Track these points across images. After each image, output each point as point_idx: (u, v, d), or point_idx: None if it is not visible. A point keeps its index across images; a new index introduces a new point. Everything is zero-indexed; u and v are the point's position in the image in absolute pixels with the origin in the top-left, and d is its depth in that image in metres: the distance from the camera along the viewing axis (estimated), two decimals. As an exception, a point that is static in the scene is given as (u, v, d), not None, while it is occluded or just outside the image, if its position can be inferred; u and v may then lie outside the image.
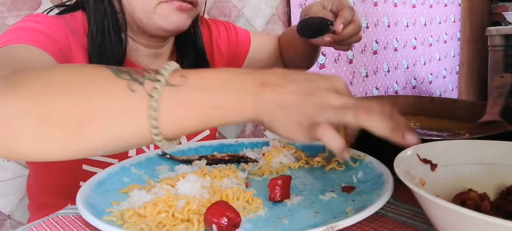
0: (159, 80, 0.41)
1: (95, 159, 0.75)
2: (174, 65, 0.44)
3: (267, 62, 1.02)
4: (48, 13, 0.80)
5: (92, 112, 0.41)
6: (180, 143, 0.68)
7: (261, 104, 0.42)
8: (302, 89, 0.42)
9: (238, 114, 0.43)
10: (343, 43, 0.78)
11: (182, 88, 0.42)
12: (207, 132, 0.88)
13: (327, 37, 0.76)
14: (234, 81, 0.43)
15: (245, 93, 0.42)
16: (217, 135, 0.98)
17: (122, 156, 0.71)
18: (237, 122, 0.44)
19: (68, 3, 0.83)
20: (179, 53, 0.87)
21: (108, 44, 0.75)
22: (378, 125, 0.41)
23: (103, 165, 0.67)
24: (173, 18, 0.73)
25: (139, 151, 0.77)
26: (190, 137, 0.84)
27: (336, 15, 0.76)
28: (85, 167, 0.75)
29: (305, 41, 0.87)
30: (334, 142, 0.41)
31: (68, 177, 0.77)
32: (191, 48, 0.86)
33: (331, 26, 0.74)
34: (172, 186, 0.52)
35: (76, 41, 0.74)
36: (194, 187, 0.51)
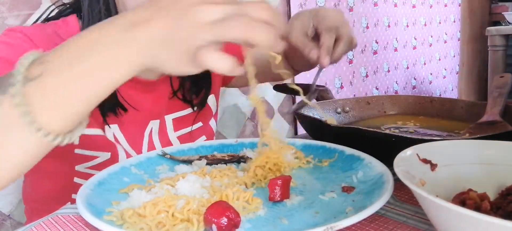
0: (14, 85, 0.38)
1: (85, 172, 0.74)
2: (30, 56, 0.40)
3: (266, 66, 0.96)
4: (40, 18, 0.79)
5: None
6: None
7: (138, 48, 0.38)
8: (172, 14, 0.38)
9: (118, 70, 0.39)
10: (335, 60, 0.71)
11: (44, 76, 0.39)
12: (204, 137, 0.87)
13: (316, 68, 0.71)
14: (100, 37, 0.39)
15: (116, 44, 0.38)
16: (217, 135, 0.97)
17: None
18: (123, 77, 0.40)
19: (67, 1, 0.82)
20: None
21: None
22: (262, 38, 0.37)
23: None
24: None
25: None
26: (191, 140, 0.83)
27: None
28: (76, 180, 0.74)
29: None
30: (220, 64, 0.37)
31: (60, 186, 0.76)
32: None
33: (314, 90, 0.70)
34: (172, 186, 0.52)
35: None
36: (194, 187, 0.51)
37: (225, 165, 0.64)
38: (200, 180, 0.53)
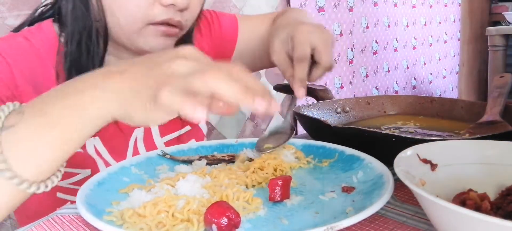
0: None
1: (68, 187, 0.72)
2: (10, 107, 0.42)
3: (263, 49, 0.84)
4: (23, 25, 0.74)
5: None
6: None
7: (109, 98, 0.39)
8: (145, 67, 0.39)
9: (87, 117, 0.40)
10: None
11: (19, 124, 0.40)
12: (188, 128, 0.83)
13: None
14: (72, 85, 0.40)
15: (85, 93, 0.39)
16: (217, 135, 0.95)
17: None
18: (92, 125, 0.41)
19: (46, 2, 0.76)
20: None
21: (84, 55, 0.67)
22: (228, 89, 0.37)
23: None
24: (157, 42, 0.66)
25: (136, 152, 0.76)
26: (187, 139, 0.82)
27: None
28: (59, 195, 0.73)
29: None
30: (177, 105, 0.36)
31: (43, 200, 0.74)
32: None
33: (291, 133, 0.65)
34: (172, 186, 0.52)
35: (40, 63, 0.67)
36: (194, 187, 0.51)
37: (225, 165, 0.64)
38: (200, 180, 0.53)
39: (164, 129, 0.80)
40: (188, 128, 0.83)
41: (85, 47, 0.67)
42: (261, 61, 0.89)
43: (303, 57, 0.61)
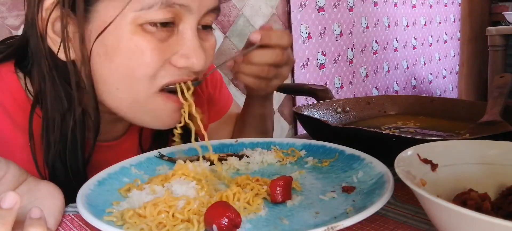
0: None
1: None
2: None
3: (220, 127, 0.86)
4: None
5: None
6: None
7: None
8: None
9: None
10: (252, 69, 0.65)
11: None
12: None
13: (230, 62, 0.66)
14: None
15: None
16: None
17: None
18: None
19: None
20: None
21: (70, 145, 0.58)
22: None
23: None
24: (167, 117, 0.60)
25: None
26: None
27: None
28: None
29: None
30: None
31: None
32: None
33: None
34: (162, 186, 0.52)
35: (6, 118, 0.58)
36: (193, 189, 0.51)
37: (226, 160, 0.64)
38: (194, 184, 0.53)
39: None
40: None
41: (72, 137, 0.58)
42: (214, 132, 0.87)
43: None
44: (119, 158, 0.61)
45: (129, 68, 0.55)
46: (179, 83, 0.58)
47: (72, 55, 0.56)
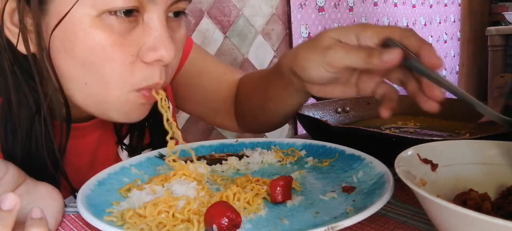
0: None
1: None
2: None
3: (210, 96, 0.80)
4: None
5: None
6: None
7: None
8: None
9: None
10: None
11: None
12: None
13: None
14: None
15: None
16: (217, 135, 0.93)
17: None
18: None
19: None
20: None
21: (37, 147, 0.56)
22: None
23: None
24: (137, 112, 0.57)
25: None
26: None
27: None
28: None
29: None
30: None
31: None
32: None
33: None
34: (162, 186, 0.52)
35: None
36: (194, 189, 0.51)
37: (226, 160, 0.64)
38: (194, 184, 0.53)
39: None
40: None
41: (35, 141, 0.55)
42: (205, 106, 0.84)
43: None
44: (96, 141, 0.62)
45: (94, 64, 0.51)
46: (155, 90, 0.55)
47: (32, 48, 0.52)
